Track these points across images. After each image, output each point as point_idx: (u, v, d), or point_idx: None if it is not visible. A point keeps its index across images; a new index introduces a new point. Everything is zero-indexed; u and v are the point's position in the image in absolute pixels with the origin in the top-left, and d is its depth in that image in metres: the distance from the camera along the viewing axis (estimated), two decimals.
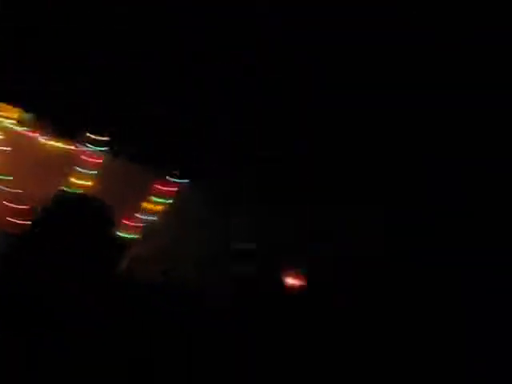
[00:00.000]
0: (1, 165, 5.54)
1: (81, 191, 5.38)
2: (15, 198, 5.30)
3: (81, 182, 5.45)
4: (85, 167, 5.49)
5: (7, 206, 5.26)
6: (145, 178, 5.28)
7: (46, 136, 5.55)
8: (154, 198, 5.37)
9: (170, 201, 5.40)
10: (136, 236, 5.29)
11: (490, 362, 2.37)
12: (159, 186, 5.37)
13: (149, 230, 5.34)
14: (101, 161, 5.52)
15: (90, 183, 5.44)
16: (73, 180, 5.42)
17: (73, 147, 5.54)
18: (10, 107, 5.52)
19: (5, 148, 5.53)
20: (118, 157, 5.41)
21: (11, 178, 5.42)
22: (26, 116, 5.59)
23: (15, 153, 5.56)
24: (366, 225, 4.49)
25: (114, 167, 5.39)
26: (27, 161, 5.46)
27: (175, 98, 4.55)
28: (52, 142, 5.53)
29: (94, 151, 5.48)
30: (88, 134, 5.40)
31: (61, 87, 5.14)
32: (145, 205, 5.38)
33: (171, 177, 5.32)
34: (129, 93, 4.84)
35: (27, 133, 5.57)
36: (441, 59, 4.15)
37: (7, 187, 5.35)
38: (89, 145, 5.45)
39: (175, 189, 5.41)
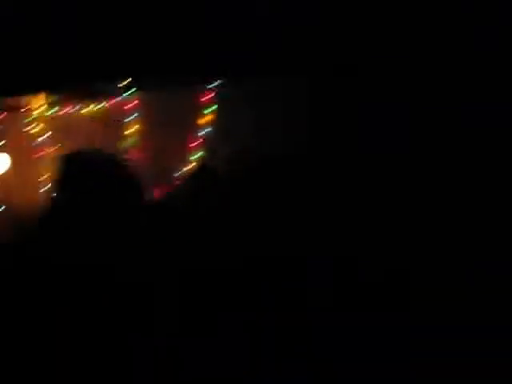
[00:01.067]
0: (53, 150, 5.68)
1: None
2: None
3: (131, 130, 5.55)
4: (128, 115, 5.55)
5: None
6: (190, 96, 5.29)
7: (81, 105, 5.60)
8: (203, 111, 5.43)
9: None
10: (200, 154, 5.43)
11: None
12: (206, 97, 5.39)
13: None
14: (137, 102, 5.56)
15: (138, 128, 5.53)
16: (124, 133, 5.53)
17: (107, 103, 5.59)
18: (35, 97, 5.58)
19: (47, 134, 5.66)
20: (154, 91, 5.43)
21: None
22: (53, 97, 5.64)
23: (63, 133, 5.66)
24: None
25: (155, 101, 5.41)
26: (77, 135, 5.55)
27: None
28: (89, 108, 5.60)
29: (129, 97, 5.51)
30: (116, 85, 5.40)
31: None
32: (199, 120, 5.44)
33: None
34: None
35: (62, 111, 5.64)
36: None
37: None
38: (122, 94, 5.48)
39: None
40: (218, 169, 3.42)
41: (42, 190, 5.56)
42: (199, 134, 5.47)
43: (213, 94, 5.42)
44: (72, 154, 2.02)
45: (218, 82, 5.36)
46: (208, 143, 5.49)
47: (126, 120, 5.56)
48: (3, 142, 5.47)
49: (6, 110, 5.48)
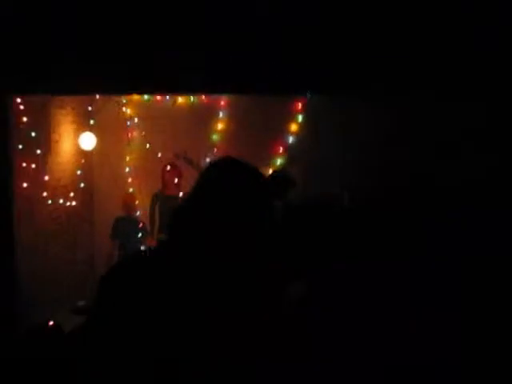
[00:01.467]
0: (139, 136, 5.82)
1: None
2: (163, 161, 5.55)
3: (220, 126, 5.64)
4: (219, 112, 5.65)
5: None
6: (279, 102, 5.34)
7: (169, 98, 5.74)
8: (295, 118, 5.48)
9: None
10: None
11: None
12: (297, 105, 5.45)
13: None
14: (226, 103, 5.66)
15: (227, 126, 5.61)
16: (214, 127, 5.63)
17: (200, 98, 5.70)
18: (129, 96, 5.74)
19: (136, 120, 5.80)
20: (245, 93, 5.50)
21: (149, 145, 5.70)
22: None
23: (148, 121, 5.80)
24: None
25: (246, 103, 5.49)
26: (162, 123, 5.68)
27: None
28: (179, 98, 5.72)
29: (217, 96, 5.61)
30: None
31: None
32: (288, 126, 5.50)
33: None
34: None
35: (153, 99, 5.79)
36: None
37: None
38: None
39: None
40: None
41: (126, 171, 5.72)
42: (283, 141, 5.52)
43: (302, 104, 5.47)
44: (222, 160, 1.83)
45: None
46: (290, 151, 5.53)
47: (215, 118, 5.66)
48: (93, 121, 5.62)
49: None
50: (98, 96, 5.51)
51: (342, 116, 4.95)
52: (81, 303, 4.83)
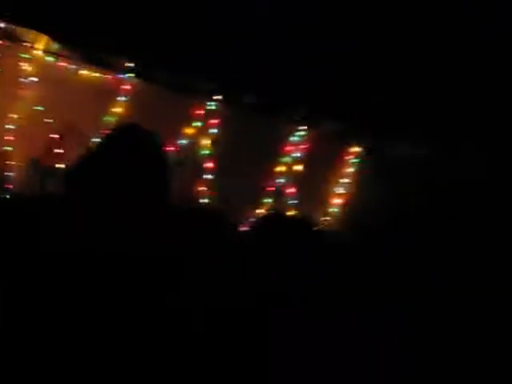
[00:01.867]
0: (32, 96, 5.57)
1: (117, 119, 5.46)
2: (51, 129, 5.36)
3: (118, 109, 5.51)
4: (119, 95, 5.53)
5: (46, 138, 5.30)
6: (181, 103, 5.33)
7: (76, 65, 5.55)
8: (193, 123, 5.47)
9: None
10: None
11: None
12: (197, 111, 5.44)
13: None
14: (130, 87, 5.56)
15: (125, 110, 5.51)
16: (110, 108, 5.49)
17: (104, 75, 5.56)
18: (37, 35, 5.48)
19: (34, 79, 5.55)
20: (152, 83, 5.45)
21: (43, 109, 5.47)
22: (55, 45, 5.57)
23: (45, 83, 5.56)
24: None
25: (149, 93, 5.43)
26: (58, 91, 5.47)
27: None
28: (83, 71, 5.55)
29: (127, 78, 5.51)
30: (121, 61, 5.40)
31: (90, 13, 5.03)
32: (185, 129, 5.47)
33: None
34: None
35: (56, 63, 5.57)
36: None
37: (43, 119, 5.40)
38: (122, 72, 5.49)
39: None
40: None
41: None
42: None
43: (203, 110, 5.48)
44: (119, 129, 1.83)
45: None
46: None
47: (118, 98, 5.54)
48: None
49: (4, 38, 5.36)
50: None
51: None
52: None
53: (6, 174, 5.27)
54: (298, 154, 5.48)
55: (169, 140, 5.43)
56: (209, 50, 4.39)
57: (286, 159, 5.45)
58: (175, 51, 4.64)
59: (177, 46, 4.61)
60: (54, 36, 5.37)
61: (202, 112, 5.46)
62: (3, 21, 5.17)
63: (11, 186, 5.18)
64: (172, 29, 4.56)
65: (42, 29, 5.17)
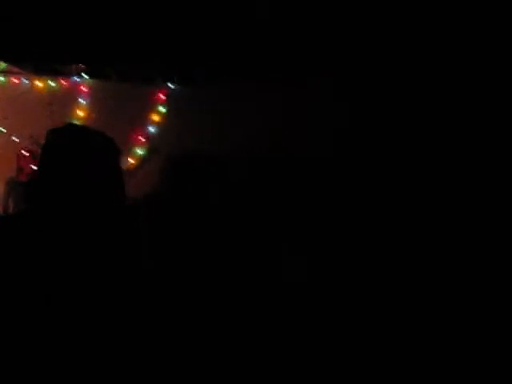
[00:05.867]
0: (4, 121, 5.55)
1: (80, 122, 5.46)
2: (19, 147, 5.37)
3: (80, 112, 5.52)
4: (79, 98, 5.53)
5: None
6: (142, 91, 5.34)
7: (29, 79, 5.53)
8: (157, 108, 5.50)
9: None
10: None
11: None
12: (160, 95, 5.46)
13: None
14: (87, 89, 5.56)
15: (88, 113, 5.52)
16: (73, 112, 5.50)
17: (59, 82, 5.56)
18: None
19: None
20: (108, 80, 5.45)
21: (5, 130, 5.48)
22: (2, 64, 5.55)
23: (2, 103, 5.55)
24: None
25: (107, 91, 5.44)
26: (18, 107, 5.46)
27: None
28: (38, 83, 5.54)
29: (82, 80, 5.51)
30: (72, 66, 5.39)
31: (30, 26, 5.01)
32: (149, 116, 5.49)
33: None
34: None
35: (9, 79, 5.56)
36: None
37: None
38: (76, 76, 5.49)
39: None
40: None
41: None
42: (146, 131, 5.52)
43: (165, 94, 5.50)
44: (63, 126, 1.88)
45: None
46: (152, 142, 5.54)
47: (76, 104, 5.54)
48: None
49: None
50: None
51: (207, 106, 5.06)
52: None
53: None
54: None
55: (138, 129, 5.50)
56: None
57: None
58: (120, 45, 4.63)
59: (120, 40, 4.60)
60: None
61: (164, 97, 5.48)
62: None
63: None
64: (110, 24, 4.56)
65: None
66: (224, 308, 1.99)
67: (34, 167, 5.17)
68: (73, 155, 1.78)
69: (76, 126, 1.97)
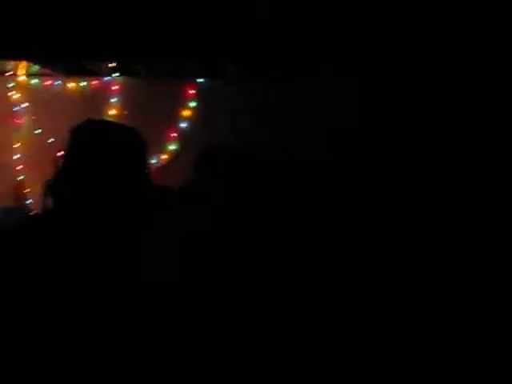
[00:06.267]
0: (29, 122, 5.66)
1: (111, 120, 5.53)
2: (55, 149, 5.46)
3: (113, 111, 5.58)
4: (111, 96, 5.59)
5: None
6: (172, 87, 5.38)
7: (61, 80, 5.62)
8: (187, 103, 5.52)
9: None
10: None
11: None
12: (189, 90, 5.49)
13: None
14: (119, 87, 5.61)
15: (119, 110, 5.57)
16: (106, 111, 5.56)
17: (91, 82, 5.63)
18: (15, 63, 5.56)
19: (26, 104, 5.64)
20: (138, 77, 5.50)
21: (42, 131, 5.57)
22: (35, 67, 5.65)
23: (37, 106, 5.66)
24: None
25: (138, 88, 5.50)
26: (52, 109, 5.56)
27: None
28: (70, 84, 5.62)
29: (113, 78, 5.57)
30: (102, 64, 5.45)
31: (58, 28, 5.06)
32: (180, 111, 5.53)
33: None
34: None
35: (42, 83, 5.65)
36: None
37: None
38: (107, 74, 5.56)
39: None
40: None
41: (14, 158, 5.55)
42: (176, 127, 5.56)
43: (196, 90, 5.51)
44: (82, 123, 1.88)
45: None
46: (184, 137, 5.58)
47: (107, 102, 5.60)
48: None
49: None
50: None
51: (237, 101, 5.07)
52: None
53: (25, 202, 5.42)
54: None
55: (169, 126, 5.54)
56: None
57: None
58: (149, 42, 4.66)
59: (149, 37, 4.63)
60: (31, 60, 5.46)
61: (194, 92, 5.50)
62: None
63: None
64: (138, 22, 4.58)
65: (16, 57, 5.26)
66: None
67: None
68: (92, 150, 1.80)
69: (95, 121, 1.97)
